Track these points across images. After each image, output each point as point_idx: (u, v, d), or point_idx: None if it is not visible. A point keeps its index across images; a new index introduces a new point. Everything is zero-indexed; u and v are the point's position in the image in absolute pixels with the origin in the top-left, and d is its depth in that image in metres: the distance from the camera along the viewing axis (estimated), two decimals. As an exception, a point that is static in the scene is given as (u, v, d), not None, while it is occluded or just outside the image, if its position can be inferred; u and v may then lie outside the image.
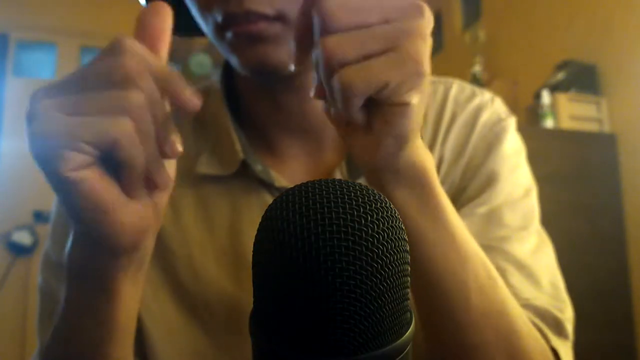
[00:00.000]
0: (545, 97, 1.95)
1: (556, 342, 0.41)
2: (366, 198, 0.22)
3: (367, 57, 0.27)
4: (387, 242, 0.21)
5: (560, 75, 2.04)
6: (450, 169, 0.49)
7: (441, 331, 0.36)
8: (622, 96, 1.97)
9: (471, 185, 0.48)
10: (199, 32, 0.47)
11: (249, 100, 0.51)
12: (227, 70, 0.53)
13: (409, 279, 0.23)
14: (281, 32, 0.39)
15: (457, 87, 0.54)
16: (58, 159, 0.25)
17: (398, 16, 0.28)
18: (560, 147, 1.83)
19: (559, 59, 2.13)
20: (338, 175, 0.48)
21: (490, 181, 0.48)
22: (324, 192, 0.21)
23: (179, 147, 0.28)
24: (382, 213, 0.22)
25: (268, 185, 0.47)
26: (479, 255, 0.36)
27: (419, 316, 0.38)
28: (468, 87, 0.54)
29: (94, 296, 0.32)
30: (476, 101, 0.52)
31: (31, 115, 0.25)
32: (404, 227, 0.23)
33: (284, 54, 0.40)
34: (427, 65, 0.28)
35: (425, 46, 0.28)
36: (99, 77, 0.26)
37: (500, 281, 0.37)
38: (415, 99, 0.28)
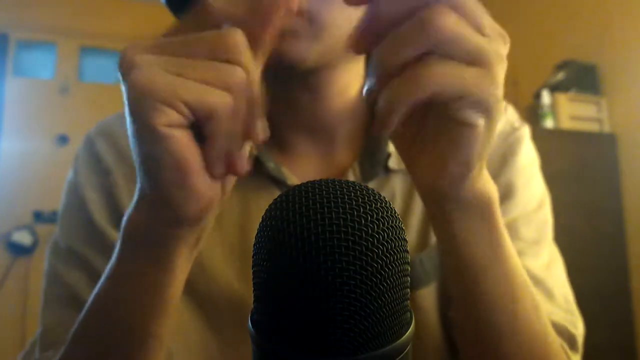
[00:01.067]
0: (545, 97, 1.96)
1: (573, 357, 0.43)
2: (366, 198, 0.22)
3: (452, 56, 0.25)
4: (387, 242, 0.21)
5: (560, 75, 2.04)
6: None
7: (484, 358, 0.37)
8: (622, 96, 1.97)
9: None
10: None
11: (263, 97, 0.51)
12: None
13: (408, 279, 0.23)
14: (301, 27, 0.39)
15: None
16: (155, 110, 0.25)
17: (493, 36, 0.27)
18: (560, 147, 1.83)
19: (559, 59, 2.13)
20: (350, 176, 0.48)
21: (507, 194, 0.48)
22: (324, 192, 0.21)
23: (264, 133, 0.28)
24: (382, 213, 0.21)
25: (280, 183, 0.47)
26: (528, 286, 0.36)
27: (462, 344, 0.39)
28: None
29: (150, 266, 0.31)
30: None
31: (130, 64, 0.26)
32: (403, 227, 0.23)
33: (301, 50, 0.39)
34: (502, 93, 0.27)
35: (504, 73, 0.27)
36: (203, 45, 0.26)
37: (542, 309, 0.38)
38: (482, 122, 0.27)
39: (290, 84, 0.46)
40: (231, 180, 0.31)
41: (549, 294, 0.45)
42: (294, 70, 0.41)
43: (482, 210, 0.32)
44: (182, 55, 0.26)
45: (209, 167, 0.28)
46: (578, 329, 0.45)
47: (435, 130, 0.29)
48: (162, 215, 0.29)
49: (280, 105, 0.48)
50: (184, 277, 0.33)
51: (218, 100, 0.26)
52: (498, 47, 0.27)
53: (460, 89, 0.25)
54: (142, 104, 0.25)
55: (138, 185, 0.30)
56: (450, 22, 0.25)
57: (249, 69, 0.27)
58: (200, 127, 0.27)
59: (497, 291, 0.34)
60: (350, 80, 0.47)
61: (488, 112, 0.27)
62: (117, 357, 0.34)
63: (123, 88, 0.26)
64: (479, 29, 0.26)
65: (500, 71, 0.27)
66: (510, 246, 0.35)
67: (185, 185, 0.27)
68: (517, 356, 0.36)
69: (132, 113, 0.26)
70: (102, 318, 0.34)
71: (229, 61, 0.26)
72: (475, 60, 0.26)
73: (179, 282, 0.32)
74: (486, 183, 0.32)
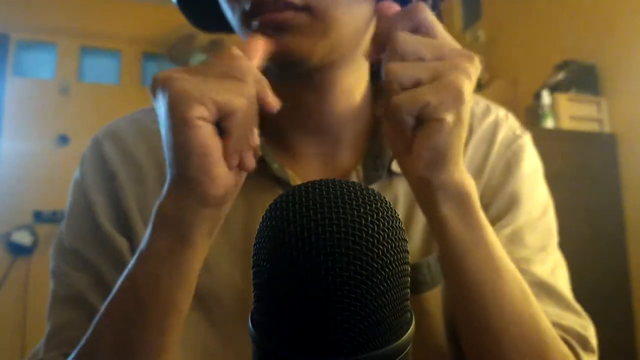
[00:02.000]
0: (545, 97, 1.96)
1: (585, 356, 0.44)
2: (366, 198, 0.22)
3: (418, 83, 0.34)
4: (387, 242, 0.21)
5: (560, 75, 2.04)
6: None
7: (478, 340, 0.39)
8: (622, 96, 1.97)
9: (493, 206, 0.49)
10: (223, 27, 0.48)
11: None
12: None
13: (408, 279, 0.23)
14: (307, 23, 0.39)
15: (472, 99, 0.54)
16: (190, 106, 0.32)
17: (451, 57, 0.35)
18: (560, 147, 1.83)
19: (559, 59, 2.13)
20: (353, 178, 0.48)
21: (513, 203, 0.49)
22: (324, 192, 0.21)
23: (257, 141, 0.36)
24: (382, 213, 0.22)
25: (284, 184, 0.47)
26: (513, 270, 0.39)
27: (459, 325, 0.41)
28: (481, 100, 0.55)
29: (176, 243, 0.35)
30: (492, 117, 0.53)
31: (168, 78, 0.33)
32: (403, 227, 0.23)
33: (308, 46, 0.40)
34: (466, 94, 0.34)
35: (468, 81, 0.34)
36: (222, 67, 0.34)
37: (531, 295, 0.40)
38: (449, 117, 0.34)
39: (295, 84, 0.46)
40: (242, 176, 0.36)
41: (557, 298, 0.46)
42: (299, 68, 0.41)
43: (460, 197, 0.37)
44: (209, 73, 0.34)
45: (226, 158, 0.34)
46: (588, 331, 0.46)
47: (420, 129, 0.36)
48: (190, 196, 0.34)
49: (286, 106, 0.48)
50: (204, 254, 0.37)
51: (237, 102, 0.33)
52: (452, 62, 0.34)
53: (421, 102, 0.33)
54: (181, 102, 0.32)
55: (168, 177, 0.36)
56: (396, 66, 0.34)
57: (256, 85, 0.35)
58: (220, 125, 0.34)
59: (480, 268, 0.37)
60: (355, 82, 0.47)
61: (452, 109, 0.34)
62: (145, 329, 0.36)
63: (161, 95, 0.33)
64: (440, 57, 0.35)
65: (455, 77, 0.33)
66: (490, 232, 0.38)
67: (208, 170, 0.33)
68: (508, 335, 0.37)
69: (172, 109, 0.33)
70: (133, 292, 0.37)
71: (243, 79, 0.34)
72: (432, 78, 0.34)
73: (199, 259, 0.37)
74: (464, 177, 0.37)
